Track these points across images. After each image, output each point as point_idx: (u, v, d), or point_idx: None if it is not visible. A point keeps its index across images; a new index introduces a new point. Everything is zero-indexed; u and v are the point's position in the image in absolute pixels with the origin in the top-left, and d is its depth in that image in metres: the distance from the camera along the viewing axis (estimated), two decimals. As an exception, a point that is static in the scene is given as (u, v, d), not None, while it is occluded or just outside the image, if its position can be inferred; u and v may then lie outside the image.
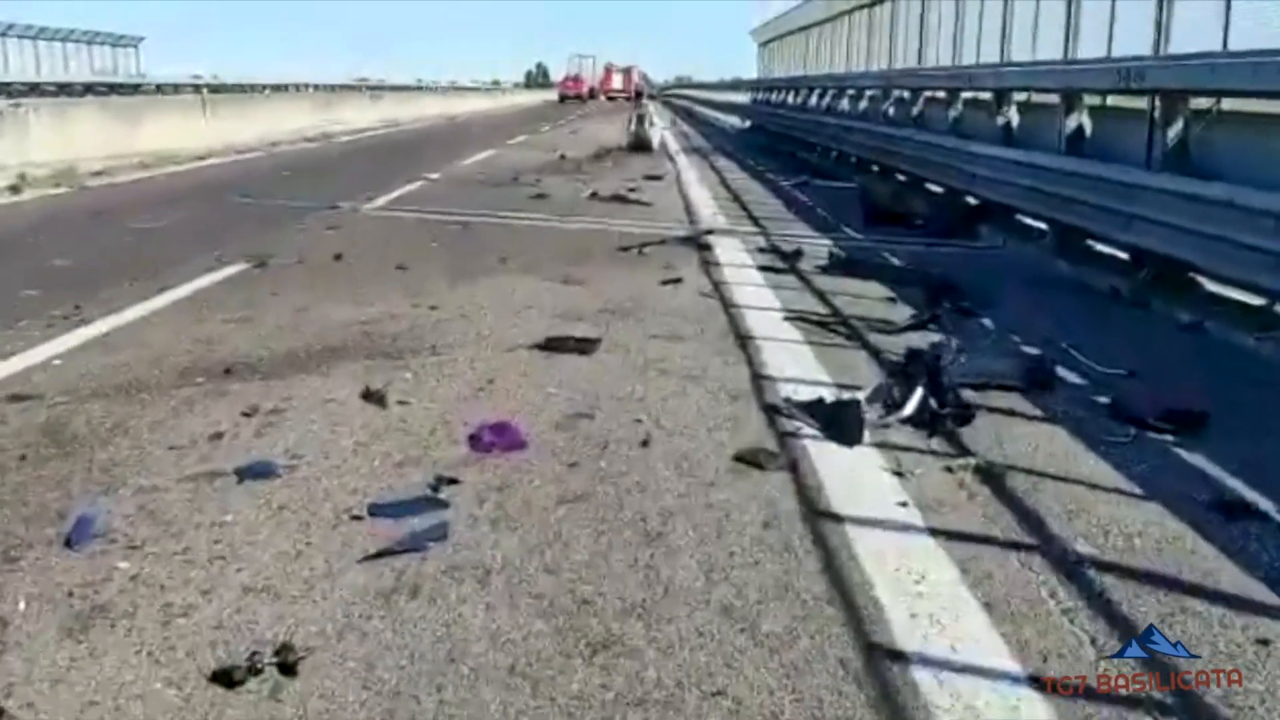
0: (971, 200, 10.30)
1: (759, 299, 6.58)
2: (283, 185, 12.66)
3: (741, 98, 37.67)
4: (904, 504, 3.33)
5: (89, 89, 32.70)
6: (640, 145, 20.59)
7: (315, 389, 4.43)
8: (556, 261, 7.73)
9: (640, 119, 21.47)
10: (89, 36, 41.09)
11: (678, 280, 7.04)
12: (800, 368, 4.92)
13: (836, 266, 7.65)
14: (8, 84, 29.03)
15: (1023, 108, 9.59)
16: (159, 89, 30.51)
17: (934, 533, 3.12)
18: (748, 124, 32.68)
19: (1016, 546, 3.05)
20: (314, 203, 10.82)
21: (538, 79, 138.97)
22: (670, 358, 5.04)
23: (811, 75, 23.37)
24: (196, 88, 23.71)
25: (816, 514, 3.24)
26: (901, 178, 13.49)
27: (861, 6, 18.62)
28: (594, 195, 12.23)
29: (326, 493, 3.30)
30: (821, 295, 6.70)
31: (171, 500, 3.21)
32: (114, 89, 32.75)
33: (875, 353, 5.23)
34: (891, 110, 14.52)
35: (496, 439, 3.79)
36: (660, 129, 24.13)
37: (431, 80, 60.77)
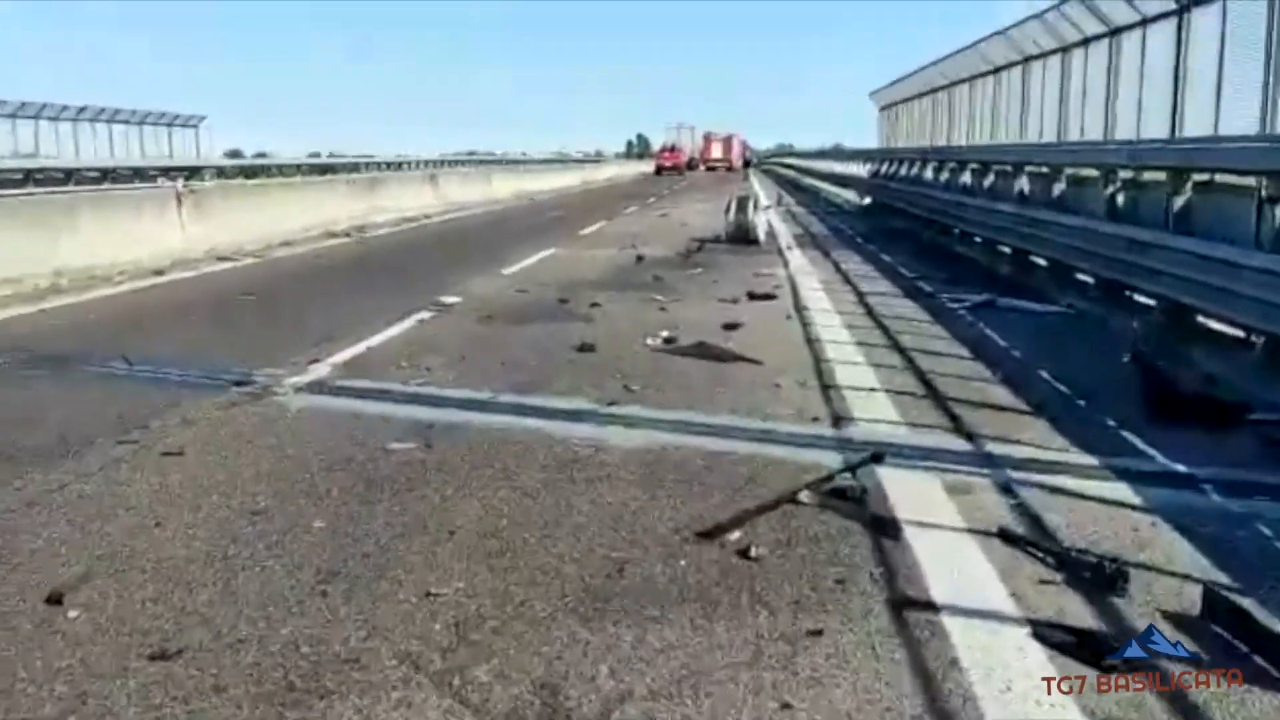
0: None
1: None
2: (214, 325, 8.61)
3: (855, 169, 33.02)
4: None
5: (137, 173, 30.24)
6: (743, 237, 16.28)
7: None
8: (554, 597, 3.29)
9: (742, 202, 17.03)
10: (139, 117, 38.68)
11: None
12: None
13: (1231, 633, 2.98)
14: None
15: None
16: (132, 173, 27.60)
17: None
18: (867, 201, 28.04)
19: None
20: (214, 372, 6.68)
21: (638, 149, 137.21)
22: None
23: (969, 146, 18.64)
24: (171, 172, 20.28)
25: None
26: (1147, 301, 8.75)
27: (1072, 46, 13.72)
28: (669, 343, 7.80)
29: None
30: None
31: None
32: (166, 173, 30.13)
33: None
34: (1121, 199, 9.76)
35: None
36: (765, 209, 19.71)
37: (520, 153, 58.06)
